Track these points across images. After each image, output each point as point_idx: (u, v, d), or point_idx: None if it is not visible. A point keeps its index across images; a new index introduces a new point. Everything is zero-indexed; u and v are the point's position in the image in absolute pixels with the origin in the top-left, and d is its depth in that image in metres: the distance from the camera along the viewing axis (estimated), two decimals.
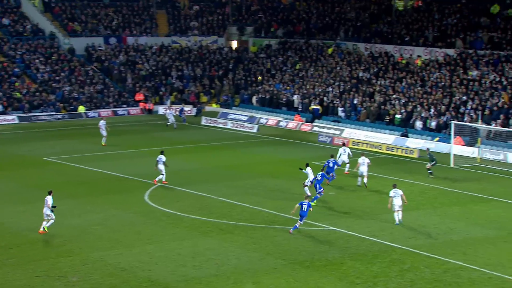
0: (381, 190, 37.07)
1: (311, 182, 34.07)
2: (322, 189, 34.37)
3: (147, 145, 50.72)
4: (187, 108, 66.27)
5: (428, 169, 39.97)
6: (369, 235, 29.29)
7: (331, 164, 37.59)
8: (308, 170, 34.59)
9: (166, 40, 76.29)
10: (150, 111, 66.50)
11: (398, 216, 30.67)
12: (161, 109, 65.94)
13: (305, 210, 28.81)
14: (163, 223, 31.27)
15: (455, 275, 24.67)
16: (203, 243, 28.32)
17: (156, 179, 37.56)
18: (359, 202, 34.89)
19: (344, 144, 42.96)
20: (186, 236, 29.37)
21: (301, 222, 29.07)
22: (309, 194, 33.33)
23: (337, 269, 25.41)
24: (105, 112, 64.52)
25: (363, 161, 36.73)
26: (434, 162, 39.84)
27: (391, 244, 28.11)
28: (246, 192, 36.69)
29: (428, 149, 41.98)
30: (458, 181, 38.25)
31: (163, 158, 37.47)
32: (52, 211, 29.10)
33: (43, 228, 29.03)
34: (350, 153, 40.21)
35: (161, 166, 37.47)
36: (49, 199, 29.15)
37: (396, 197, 30.58)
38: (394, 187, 31.08)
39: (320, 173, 34.64)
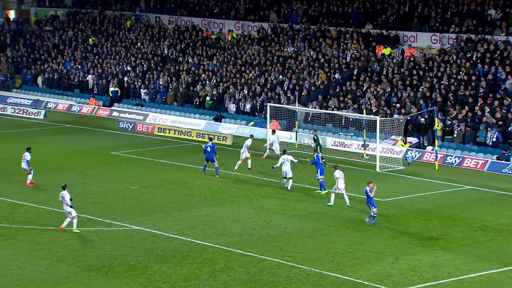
0: (190, 182, 37.63)
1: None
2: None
3: None
4: None
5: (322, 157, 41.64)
6: (178, 233, 29.66)
7: (208, 149, 38.39)
8: (281, 159, 35.97)
9: None
10: None
11: (346, 198, 33.13)
12: None
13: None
14: None
15: (272, 274, 25.69)
16: None
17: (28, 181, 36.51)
18: (166, 196, 35.18)
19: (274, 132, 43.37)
20: None
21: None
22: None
23: (141, 274, 25.48)
24: None
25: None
26: (318, 147, 41.56)
27: (202, 243, 28.67)
28: (31, 189, 35.65)
29: (315, 130, 43.47)
30: (273, 171, 39.72)
31: (27, 156, 36.49)
32: (72, 206, 29.36)
33: (65, 225, 29.38)
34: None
35: (25, 165, 36.39)
36: (66, 195, 29.36)
37: (340, 179, 32.85)
38: (336, 168, 33.35)
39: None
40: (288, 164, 35.85)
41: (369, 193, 30.53)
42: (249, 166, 40.00)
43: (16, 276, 25.18)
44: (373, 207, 30.66)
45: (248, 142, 40.30)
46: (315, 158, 36.18)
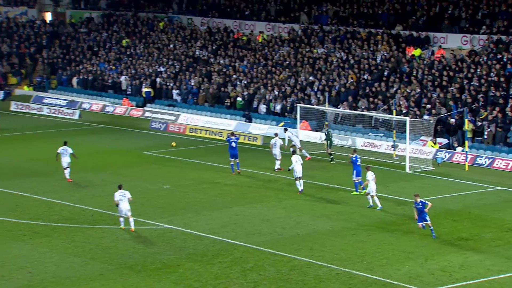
0: (221, 182, 37.71)
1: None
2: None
3: None
4: None
5: (330, 154, 42.03)
6: (209, 232, 29.73)
7: (233, 144, 38.73)
8: (293, 159, 35.38)
9: None
10: None
11: (377, 201, 32.69)
12: None
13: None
14: None
15: (302, 273, 25.65)
16: (13, 250, 27.54)
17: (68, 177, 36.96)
18: (197, 196, 35.29)
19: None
20: None
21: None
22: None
23: (173, 272, 25.58)
24: None
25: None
26: (328, 142, 41.90)
27: (233, 241, 28.70)
28: (65, 188, 35.99)
29: (327, 125, 43.51)
30: (305, 170, 39.63)
31: (69, 149, 37.02)
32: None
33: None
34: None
35: (68, 159, 36.97)
36: (128, 193, 29.49)
37: (372, 181, 32.58)
38: (368, 170, 32.91)
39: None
40: (300, 164, 35.48)
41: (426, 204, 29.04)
42: (277, 167, 39.77)
43: (51, 273, 25.43)
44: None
45: (280, 141, 40.12)
46: (354, 158, 35.81)
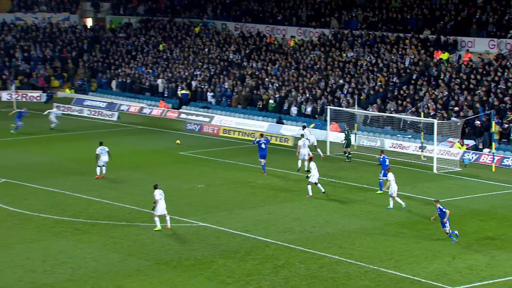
0: (253, 182, 37.71)
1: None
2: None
3: None
4: (36, 94, 64.25)
5: (345, 152, 42.36)
6: (242, 230, 29.75)
7: (263, 146, 38.81)
8: (312, 165, 34.86)
9: (9, 17, 73.48)
10: None
11: (399, 200, 32.39)
12: (4, 95, 63.66)
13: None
14: (8, 224, 30.39)
15: (331, 270, 25.56)
16: (55, 245, 27.78)
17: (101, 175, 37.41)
18: (230, 194, 35.33)
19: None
20: (35, 237, 28.68)
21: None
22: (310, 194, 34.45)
23: (207, 268, 25.64)
24: None
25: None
26: (345, 142, 42.18)
27: (265, 239, 28.69)
28: (104, 187, 36.24)
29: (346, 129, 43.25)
30: (334, 170, 39.56)
31: (106, 148, 37.42)
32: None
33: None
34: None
35: (106, 158, 37.52)
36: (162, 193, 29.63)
37: (393, 182, 32.41)
38: (389, 171, 33.02)
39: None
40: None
41: (444, 212, 28.39)
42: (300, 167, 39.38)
43: (91, 268, 25.63)
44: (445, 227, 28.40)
45: (307, 141, 39.75)
46: (381, 159, 35.60)
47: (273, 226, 30.48)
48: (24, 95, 63.80)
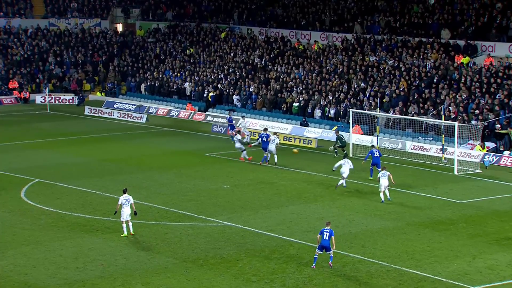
0: (277, 182, 37.69)
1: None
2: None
3: (23, 137, 49.34)
4: (69, 97, 64.80)
5: (334, 149, 43.28)
6: (266, 230, 29.73)
7: (264, 139, 41.13)
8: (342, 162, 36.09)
9: (43, 23, 74.14)
10: (26, 100, 64.62)
11: (385, 195, 33.59)
12: (38, 98, 64.27)
13: (326, 238, 25.30)
14: (42, 222, 30.61)
15: (354, 269, 25.46)
16: (87, 243, 27.94)
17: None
18: (255, 195, 35.32)
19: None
20: (68, 235, 28.86)
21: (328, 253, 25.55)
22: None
23: (233, 267, 25.66)
24: None
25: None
26: (337, 144, 42.97)
27: (289, 238, 28.65)
28: (134, 187, 36.35)
29: (337, 131, 44.35)
30: (356, 172, 39.39)
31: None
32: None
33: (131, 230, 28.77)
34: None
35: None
36: (131, 199, 28.71)
37: (383, 178, 33.57)
38: (383, 169, 34.05)
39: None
40: (347, 165, 35.89)
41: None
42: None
43: (121, 266, 25.76)
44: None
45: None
46: (371, 152, 37.81)
47: (297, 225, 30.44)
48: (57, 98, 64.32)
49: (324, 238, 25.22)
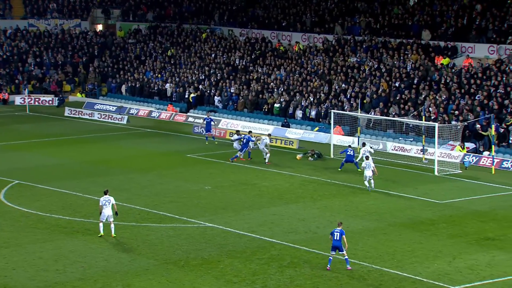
0: (259, 183, 37.68)
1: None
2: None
3: (2, 139, 49.01)
4: (48, 98, 64.40)
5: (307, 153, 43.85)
6: (248, 231, 29.72)
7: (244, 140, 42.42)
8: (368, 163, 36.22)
9: (22, 23, 73.64)
10: (5, 101, 64.16)
11: (370, 184, 35.42)
12: (18, 99, 63.84)
13: (337, 239, 25.53)
14: (21, 224, 30.40)
15: (335, 270, 25.50)
16: (67, 245, 27.79)
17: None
18: (237, 196, 35.31)
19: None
20: (48, 238, 28.69)
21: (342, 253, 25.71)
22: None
23: (214, 268, 25.62)
24: None
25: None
26: (307, 153, 43.65)
27: (270, 239, 28.66)
28: (115, 188, 36.13)
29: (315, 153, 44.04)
30: (338, 173, 39.52)
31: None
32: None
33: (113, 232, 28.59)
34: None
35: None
36: (112, 199, 28.60)
37: (367, 169, 35.37)
38: (367, 159, 35.96)
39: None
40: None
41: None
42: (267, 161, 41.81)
43: (102, 267, 25.63)
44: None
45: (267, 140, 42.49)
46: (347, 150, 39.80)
47: (278, 226, 30.45)
48: (37, 99, 63.93)
49: (335, 238, 25.39)
